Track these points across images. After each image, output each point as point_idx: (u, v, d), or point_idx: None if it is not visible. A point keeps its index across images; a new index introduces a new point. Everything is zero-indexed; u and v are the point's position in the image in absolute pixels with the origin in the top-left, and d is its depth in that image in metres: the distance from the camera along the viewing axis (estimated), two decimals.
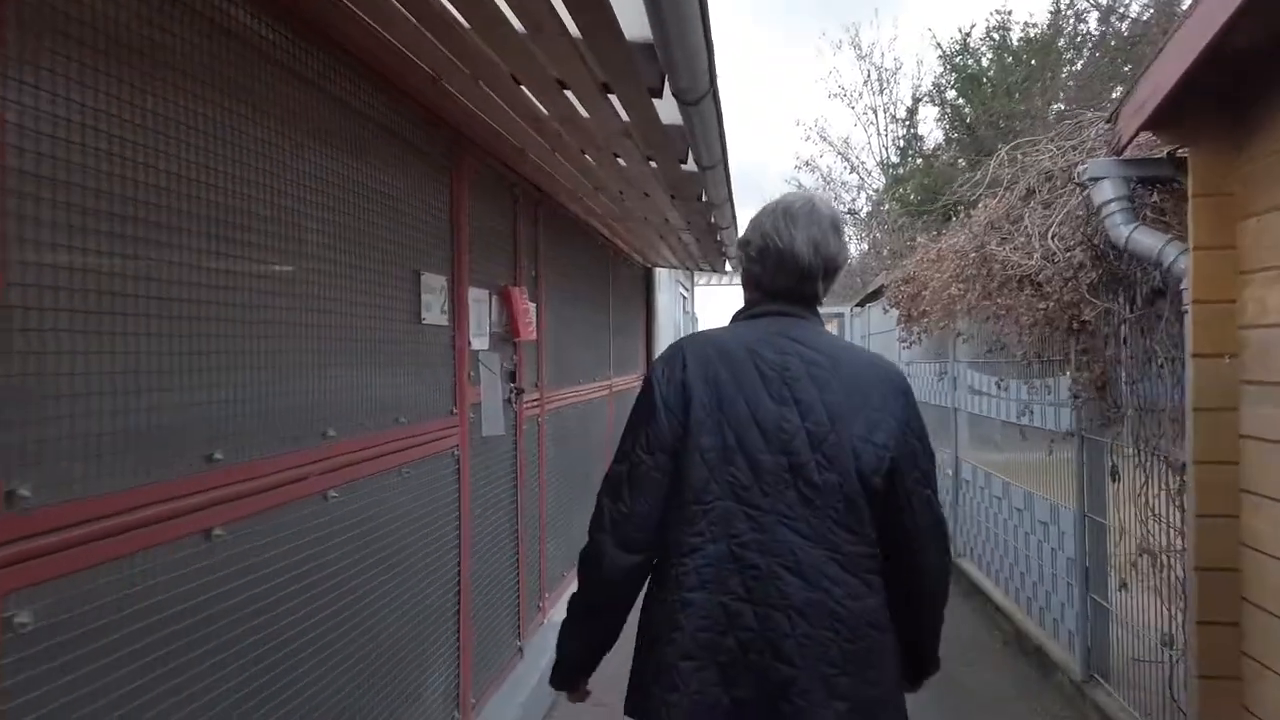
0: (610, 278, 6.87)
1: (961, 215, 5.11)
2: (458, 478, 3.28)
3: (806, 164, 24.15)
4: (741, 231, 1.83)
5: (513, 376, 4.10)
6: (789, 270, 1.72)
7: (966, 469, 6.54)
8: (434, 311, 3.06)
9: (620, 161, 3.57)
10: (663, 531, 1.63)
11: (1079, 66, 16.71)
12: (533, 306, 4.36)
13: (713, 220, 4.99)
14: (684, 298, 13.57)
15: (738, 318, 1.79)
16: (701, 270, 10.57)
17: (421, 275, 2.96)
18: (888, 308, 7.34)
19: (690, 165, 3.34)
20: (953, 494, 6.79)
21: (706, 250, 6.81)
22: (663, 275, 9.52)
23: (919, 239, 6.14)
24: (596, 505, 1.67)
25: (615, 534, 1.63)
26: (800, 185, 24.97)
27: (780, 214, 1.74)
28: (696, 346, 1.69)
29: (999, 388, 5.18)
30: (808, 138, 42.58)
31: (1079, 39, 17.31)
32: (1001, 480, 5.60)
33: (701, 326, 16.72)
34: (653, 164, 3.50)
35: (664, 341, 9.30)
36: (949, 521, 5.60)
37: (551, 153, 3.58)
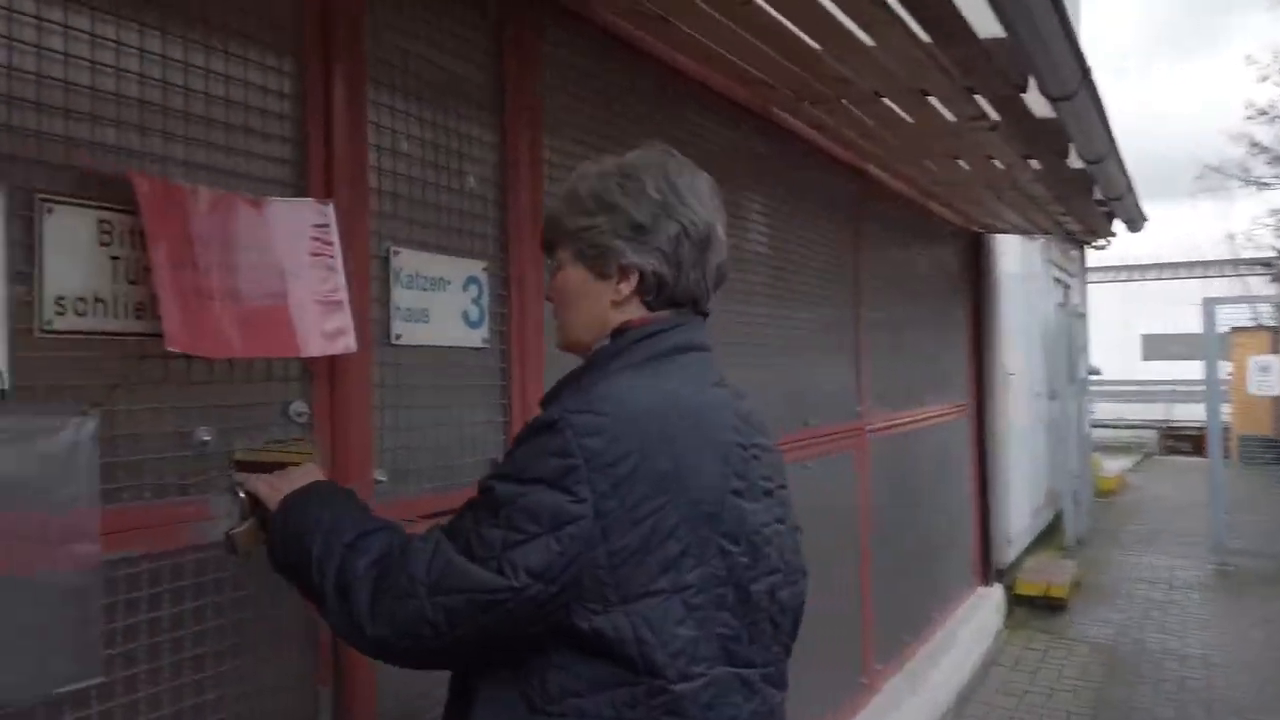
0: (871, 234, 4.94)
1: None
2: None
3: (1262, 112, 18.64)
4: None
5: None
6: (711, 266, 1.29)
7: None
8: None
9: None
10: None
11: None
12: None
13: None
14: (1063, 286, 10.18)
15: (638, 355, 1.22)
16: (1081, 243, 8.07)
17: None
18: None
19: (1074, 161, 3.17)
20: None
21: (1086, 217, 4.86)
22: (1012, 248, 7.09)
23: None
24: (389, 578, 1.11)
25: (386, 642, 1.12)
26: (1253, 143, 19.55)
27: (681, 173, 1.27)
28: (655, 421, 1.14)
29: None
30: (1265, 77, 34.99)
31: None
32: None
33: (1098, 335, 12.82)
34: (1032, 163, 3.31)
35: (1012, 351, 7.00)
36: None
37: None
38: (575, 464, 1.07)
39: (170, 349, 1.27)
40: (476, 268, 1.96)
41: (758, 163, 3.29)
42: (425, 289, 1.82)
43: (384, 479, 1.71)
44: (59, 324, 1.22)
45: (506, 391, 2.04)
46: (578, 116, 2.33)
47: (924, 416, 5.19)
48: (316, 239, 1.53)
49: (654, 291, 1.26)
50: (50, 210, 1.21)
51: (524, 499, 1.07)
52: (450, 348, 1.89)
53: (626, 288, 1.25)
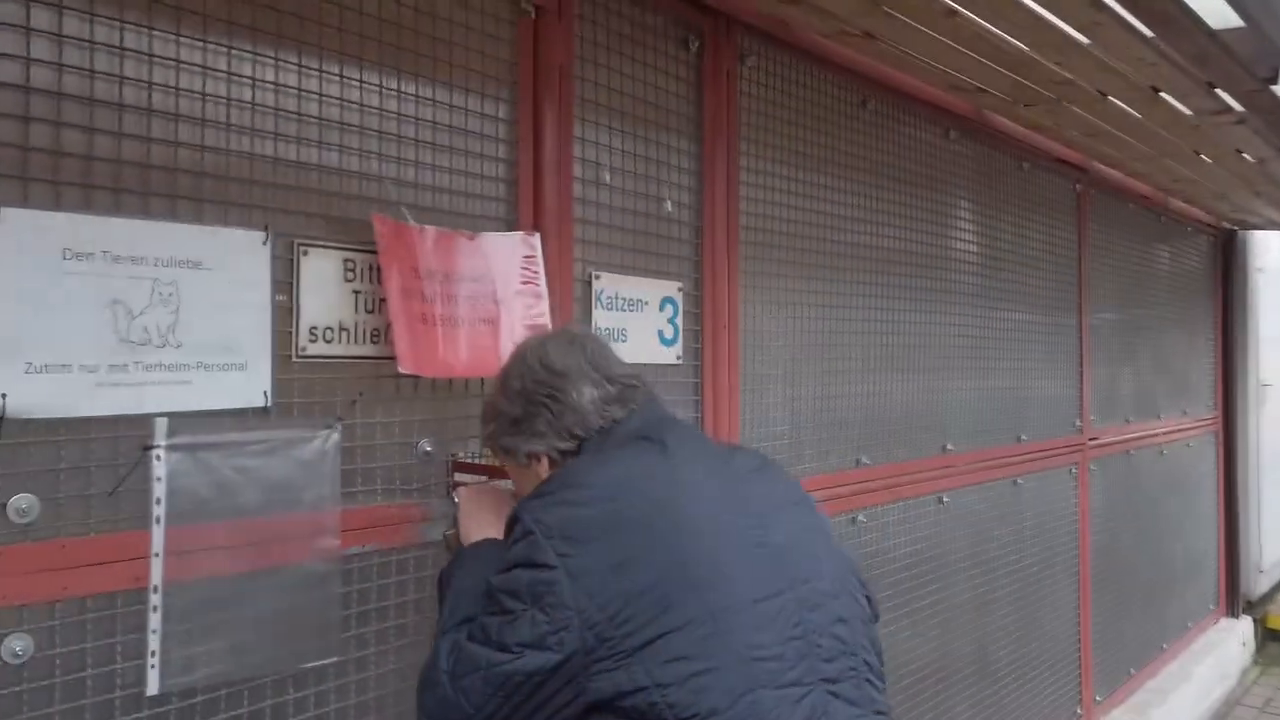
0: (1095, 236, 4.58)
1: None
2: None
3: None
4: None
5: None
6: (595, 401, 1.33)
7: None
8: None
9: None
10: None
11: None
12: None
13: None
14: None
15: (590, 449, 1.32)
16: None
17: None
18: None
19: None
20: None
21: None
22: (1272, 244, 6.27)
23: None
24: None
25: None
26: None
27: (536, 352, 1.37)
28: (609, 482, 1.23)
29: None
30: None
31: None
32: None
33: None
34: None
35: (1270, 359, 6.28)
36: None
37: None
38: (535, 539, 1.15)
39: (401, 371, 1.46)
40: (672, 288, 2.06)
41: (968, 166, 3.19)
42: (624, 310, 1.94)
43: None
44: (311, 350, 1.43)
45: (699, 405, 2.12)
46: (775, 136, 2.37)
47: (1158, 431, 4.80)
48: (525, 268, 1.68)
49: (567, 455, 1.32)
50: (306, 253, 1.42)
51: (505, 583, 1.16)
52: (646, 364, 2.00)
53: (543, 467, 1.34)
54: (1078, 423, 3.96)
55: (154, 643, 1.25)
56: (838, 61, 2.54)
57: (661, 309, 2.03)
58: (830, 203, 2.55)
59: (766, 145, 2.35)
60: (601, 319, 1.89)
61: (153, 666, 1.25)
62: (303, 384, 1.43)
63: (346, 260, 1.48)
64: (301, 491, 1.40)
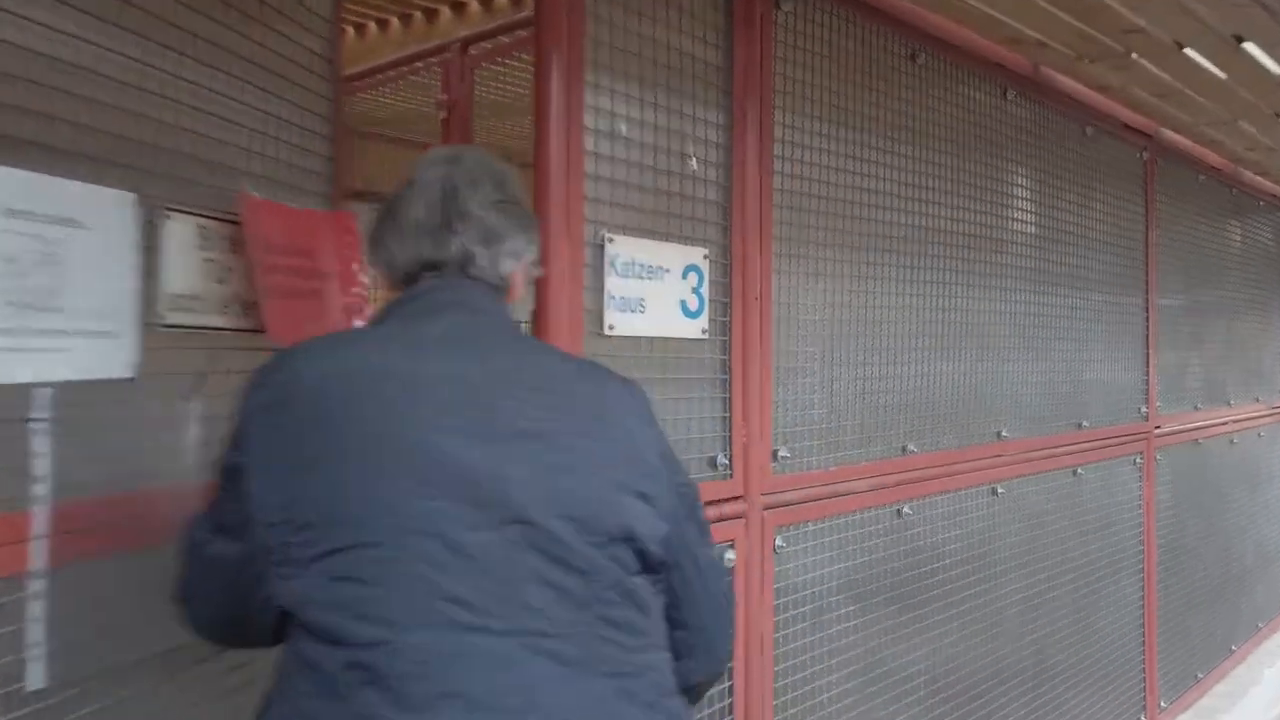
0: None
1: None
2: None
3: None
4: None
5: None
6: (408, 220, 1.17)
7: None
8: None
9: None
10: None
11: None
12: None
13: None
14: None
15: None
16: None
17: None
18: None
19: None
20: None
21: None
22: None
23: None
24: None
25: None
26: None
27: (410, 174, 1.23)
28: (315, 376, 1.06)
29: None
30: None
31: None
32: None
33: None
34: None
35: None
36: None
37: None
38: (236, 421, 1.06)
39: (271, 341, 1.32)
40: (697, 255, 1.86)
41: (1027, 129, 2.94)
42: (642, 277, 1.75)
43: None
44: (171, 319, 1.28)
45: (727, 385, 1.93)
46: (815, 90, 2.16)
47: (1229, 418, 4.50)
48: (345, 245, 1.53)
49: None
50: (169, 217, 1.27)
51: (218, 460, 1.08)
52: (667, 339, 1.81)
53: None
54: (1143, 409, 3.69)
55: (36, 632, 1.09)
56: (884, 9, 2.32)
57: (685, 277, 1.84)
58: (875, 164, 2.33)
59: (805, 99, 2.13)
60: (616, 287, 1.70)
61: (36, 659, 1.09)
62: (164, 354, 1.26)
63: (201, 226, 1.32)
64: (169, 464, 1.27)
